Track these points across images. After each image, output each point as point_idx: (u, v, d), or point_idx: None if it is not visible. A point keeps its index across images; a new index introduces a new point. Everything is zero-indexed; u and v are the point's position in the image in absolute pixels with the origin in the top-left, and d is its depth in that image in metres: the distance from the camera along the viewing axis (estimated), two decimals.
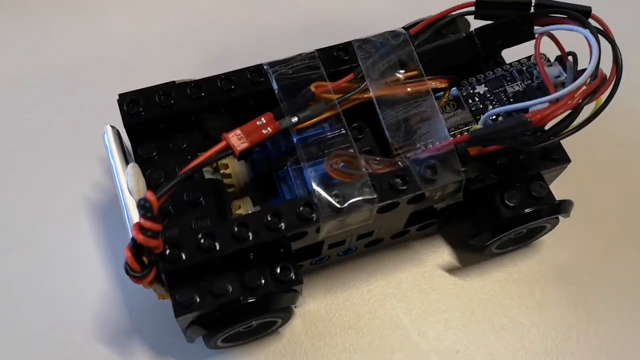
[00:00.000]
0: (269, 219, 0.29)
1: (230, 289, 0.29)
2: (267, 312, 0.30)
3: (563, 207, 0.33)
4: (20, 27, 0.43)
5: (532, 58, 0.35)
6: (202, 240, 0.28)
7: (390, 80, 0.32)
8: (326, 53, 0.33)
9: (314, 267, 0.35)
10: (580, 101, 0.29)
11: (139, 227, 0.26)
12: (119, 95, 0.31)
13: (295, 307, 0.31)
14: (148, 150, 0.31)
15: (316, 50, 0.33)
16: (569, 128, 0.29)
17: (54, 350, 0.33)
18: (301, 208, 0.29)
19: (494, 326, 0.35)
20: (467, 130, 0.33)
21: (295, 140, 0.30)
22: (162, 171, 0.31)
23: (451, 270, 0.37)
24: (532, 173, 0.33)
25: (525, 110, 0.30)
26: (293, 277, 0.30)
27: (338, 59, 0.33)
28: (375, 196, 0.29)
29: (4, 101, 0.40)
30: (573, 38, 0.31)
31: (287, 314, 0.31)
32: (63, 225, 0.36)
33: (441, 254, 0.37)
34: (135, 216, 0.29)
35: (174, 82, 0.32)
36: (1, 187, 0.37)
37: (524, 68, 0.35)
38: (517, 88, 0.34)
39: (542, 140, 0.29)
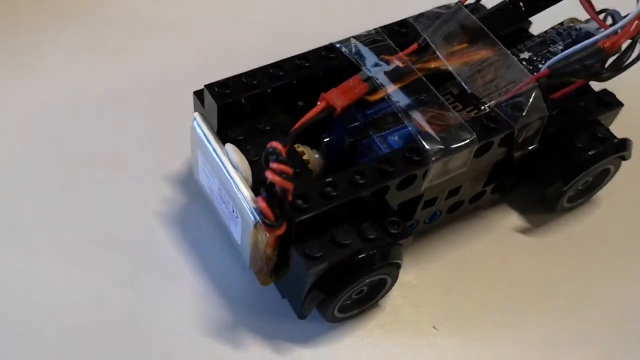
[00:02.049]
0: (380, 165, 0.29)
1: (351, 241, 0.28)
2: (384, 264, 0.29)
3: (627, 145, 0.35)
4: (79, 50, 0.43)
5: (564, 23, 0.38)
6: (326, 188, 0.28)
7: (456, 44, 0.34)
8: (386, 29, 0.35)
9: None
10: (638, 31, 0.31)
11: (274, 170, 0.25)
12: (205, 85, 0.31)
13: (401, 263, 0.31)
14: (239, 132, 0.32)
15: (377, 27, 0.34)
16: (633, 58, 0.32)
17: (168, 350, 0.31)
18: (407, 154, 0.29)
19: (576, 274, 0.36)
20: None
21: (393, 98, 0.31)
22: (258, 148, 0.31)
23: (524, 231, 0.38)
24: (592, 118, 0.35)
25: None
26: (403, 230, 0.30)
27: (399, 33, 0.35)
28: (474, 136, 0.30)
29: (62, 122, 0.39)
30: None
31: (395, 271, 0.31)
32: (143, 241, 0.35)
33: (510, 218, 0.38)
34: (245, 189, 0.29)
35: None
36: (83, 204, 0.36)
37: (561, 31, 0.38)
38: (560, 47, 0.37)
39: (612, 70, 0.32)
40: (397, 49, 0.33)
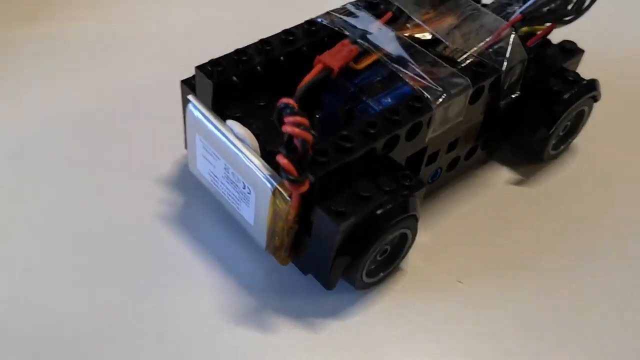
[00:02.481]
0: (388, 115, 0.29)
1: (372, 194, 0.28)
2: (405, 216, 0.29)
3: (596, 85, 0.37)
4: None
5: None
6: (341, 142, 0.27)
7: (428, 8, 0.34)
8: (360, 1, 0.35)
9: None
10: None
11: (291, 123, 0.25)
12: (196, 67, 0.31)
13: (418, 216, 0.31)
14: (235, 110, 0.31)
15: (351, 1, 0.35)
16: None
17: (200, 345, 0.29)
18: (410, 102, 0.30)
19: (574, 214, 0.37)
20: None
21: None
22: (258, 123, 0.30)
23: (518, 183, 0.38)
24: (559, 66, 0.37)
25: None
26: (416, 182, 0.30)
27: (371, 5, 0.35)
28: (468, 81, 0.31)
29: (48, 137, 0.37)
30: None
31: (414, 224, 0.31)
32: (148, 244, 0.33)
33: (503, 173, 0.39)
34: (256, 158, 0.28)
35: None
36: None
37: None
38: (516, 8, 0.38)
39: (575, 12, 0.33)
40: (374, 17, 0.34)
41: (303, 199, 0.27)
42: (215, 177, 0.31)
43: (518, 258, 0.34)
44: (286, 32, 0.33)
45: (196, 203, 0.35)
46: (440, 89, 0.30)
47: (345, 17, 0.34)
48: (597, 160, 0.40)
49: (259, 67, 0.32)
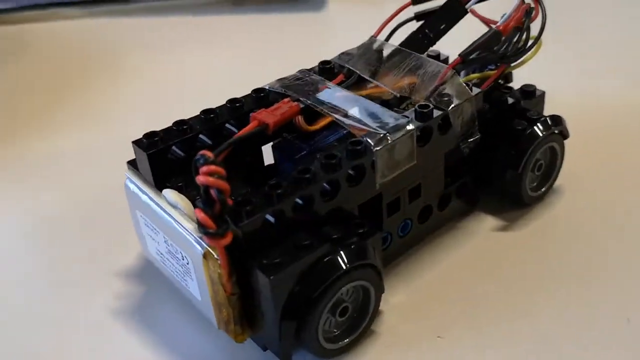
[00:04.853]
0: (324, 160, 0.25)
1: (312, 242, 0.24)
2: (356, 265, 0.24)
3: (557, 120, 0.33)
4: None
5: None
6: (271, 190, 0.24)
7: (376, 66, 0.32)
8: (310, 70, 0.33)
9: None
10: (523, 18, 0.30)
11: (205, 172, 0.21)
12: (133, 142, 0.28)
13: (376, 265, 0.26)
14: (177, 181, 0.27)
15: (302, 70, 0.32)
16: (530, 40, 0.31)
17: None
18: (350, 146, 0.26)
19: (556, 260, 0.31)
20: None
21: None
22: (198, 189, 0.27)
23: (501, 229, 0.33)
24: (520, 107, 0.33)
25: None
26: (369, 229, 0.25)
27: (323, 70, 0.33)
28: (409, 122, 0.27)
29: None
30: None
31: (373, 275, 0.26)
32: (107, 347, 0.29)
33: (486, 221, 0.34)
34: (187, 222, 0.25)
35: None
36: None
37: None
38: None
39: (515, 52, 0.30)
40: (324, 79, 0.31)
41: (234, 256, 0.23)
42: (162, 254, 0.28)
43: (501, 305, 0.29)
44: (232, 100, 0.30)
45: (155, 291, 0.31)
46: (382, 132, 0.27)
47: (295, 82, 0.31)
48: (582, 199, 0.35)
49: (200, 136, 0.29)
